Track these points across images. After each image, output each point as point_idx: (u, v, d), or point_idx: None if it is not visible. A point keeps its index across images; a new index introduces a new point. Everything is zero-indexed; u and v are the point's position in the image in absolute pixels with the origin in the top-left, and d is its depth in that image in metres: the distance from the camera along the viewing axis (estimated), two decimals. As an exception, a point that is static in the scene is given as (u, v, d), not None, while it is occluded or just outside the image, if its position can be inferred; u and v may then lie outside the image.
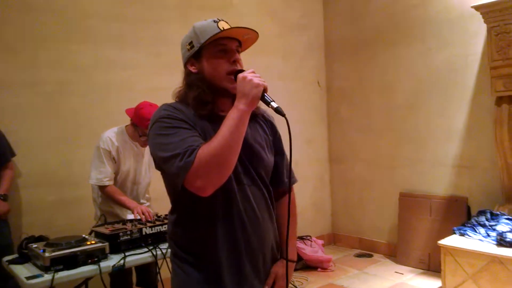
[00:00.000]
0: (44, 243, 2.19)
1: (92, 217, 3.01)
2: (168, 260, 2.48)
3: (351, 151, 5.00)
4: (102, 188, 2.75)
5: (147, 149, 2.94)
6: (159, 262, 2.40)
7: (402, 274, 4.06)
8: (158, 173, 1.41)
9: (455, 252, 3.29)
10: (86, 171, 3.33)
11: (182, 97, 1.43)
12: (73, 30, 3.39)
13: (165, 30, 3.85)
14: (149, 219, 2.53)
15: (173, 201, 1.47)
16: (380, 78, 4.63)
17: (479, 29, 3.68)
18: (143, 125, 2.63)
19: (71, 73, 3.37)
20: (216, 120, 1.34)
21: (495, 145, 3.47)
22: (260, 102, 1.33)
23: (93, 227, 2.53)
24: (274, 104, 1.29)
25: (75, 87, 3.39)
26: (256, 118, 1.51)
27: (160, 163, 1.32)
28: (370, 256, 4.66)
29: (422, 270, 4.08)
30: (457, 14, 3.90)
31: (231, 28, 1.38)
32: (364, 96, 4.80)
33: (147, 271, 2.90)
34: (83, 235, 2.31)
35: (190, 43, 1.41)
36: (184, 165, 1.22)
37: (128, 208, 2.71)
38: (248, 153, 1.41)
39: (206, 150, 1.23)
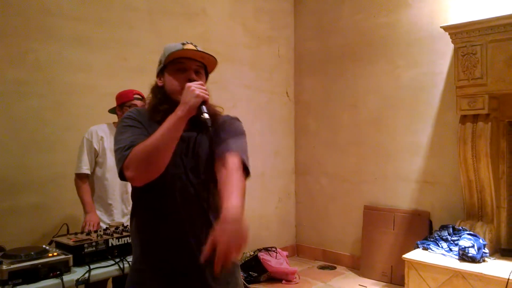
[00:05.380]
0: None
1: (48, 225, 2.83)
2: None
3: (317, 164, 5.03)
4: (78, 176, 2.80)
5: None
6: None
7: (366, 287, 4.08)
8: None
9: (418, 266, 3.35)
10: (44, 176, 3.18)
11: (149, 103, 1.62)
12: (35, 27, 3.17)
13: (133, 34, 3.73)
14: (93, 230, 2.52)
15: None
16: (348, 93, 4.70)
17: (447, 49, 3.81)
18: (127, 97, 2.82)
19: (30, 73, 3.15)
20: None
21: (458, 162, 3.57)
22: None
23: (54, 237, 2.37)
24: (205, 115, 1.44)
25: (34, 88, 3.17)
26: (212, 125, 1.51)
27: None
28: (334, 268, 4.67)
29: (384, 283, 4.12)
30: (425, 34, 4.02)
31: (185, 49, 1.55)
32: (332, 111, 4.85)
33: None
34: (44, 246, 2.15)
35: (160, 60, 1.62)
36: (121, 157, 1.43)
37: (84, 209, 2.78)
38: (192, 157, 1.52)
39: (139, 147, 1.41)
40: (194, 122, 1.49)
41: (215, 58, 1.59)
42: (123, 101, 2.84)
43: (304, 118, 5.17)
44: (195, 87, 1.44)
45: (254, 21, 4.82)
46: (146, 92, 2.90)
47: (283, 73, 5.16)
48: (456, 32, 3.42)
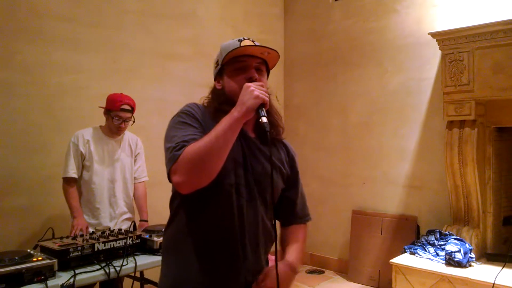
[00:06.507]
0: (-18, 258, 1.98)
1: (37, 228, 2.80)
2: (125, 278, 2.36)
3: (306, 168, 5.03)
4: (66, 180, 2.78)
5: (126, 149, 2.97)
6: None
7: (353, 291, 4.10)
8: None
9: (406, 270, 3.37)
10: (32, 178, 3.14)
11: (208, 105, 1.49)
12: (22, 28, 3.13)
13: (123, 36, 3.70)
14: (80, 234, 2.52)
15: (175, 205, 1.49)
16: (337, 98, 4.72)
17: (434, 55, 3.85)
18: (114, 106, 2.79)
19: (18, 74, 3.11)
20: None
21: (445, 167, 3.60)
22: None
23: (39, 241, 2.33)
24: (264, 119, 1.31)
25: (21, 89, 3.13)
26: (278, 144, 1.61)
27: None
28: (322, 272, 4.68)
29: (372, 288, 4.14)
30: (413, 40, 4.06)
31: (246, 46, 1.42)
32: (321, 114, 4.87)
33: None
34: (28, 250, 2.12)
35: (217, 61, 1.50)
36: (171, 157, 1.28)
37: (71, 214, 2.74)
38: (258, 171, 1.44)
39: (191, 148, 1.26)
40: (259, 129, 1.40)
41: (278, 53, 1.47)
42: (110, 109, 2.83)
43: (294, 122, 5.17)
44: (254, 87, 1.31)
45: (244, 25, 4.82)
46: (136, 97, 2.93)
47: (272, 77, 5.11)
48: (444, 38, 3.46)
